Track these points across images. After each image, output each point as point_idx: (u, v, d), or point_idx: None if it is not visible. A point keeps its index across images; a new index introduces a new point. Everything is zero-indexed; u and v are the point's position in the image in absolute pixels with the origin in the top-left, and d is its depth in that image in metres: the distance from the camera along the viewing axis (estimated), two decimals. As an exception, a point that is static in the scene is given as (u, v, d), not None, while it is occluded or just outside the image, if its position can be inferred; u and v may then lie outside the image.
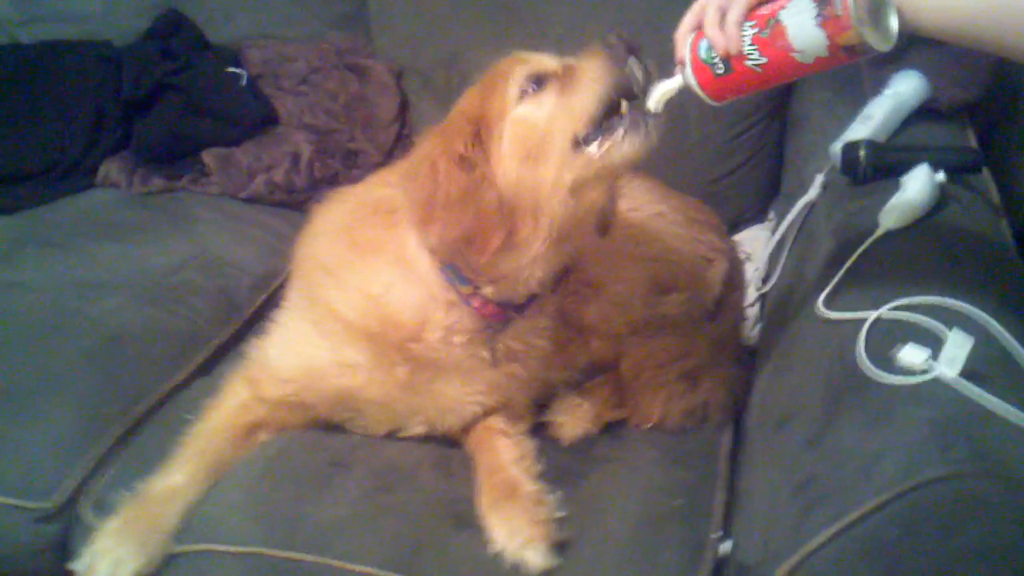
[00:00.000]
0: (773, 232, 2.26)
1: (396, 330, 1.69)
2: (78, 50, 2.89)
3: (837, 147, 1.95)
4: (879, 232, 1.72)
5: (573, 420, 1.89)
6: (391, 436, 1.84)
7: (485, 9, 2.63)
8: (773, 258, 2.15)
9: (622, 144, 1.52)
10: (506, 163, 1.55)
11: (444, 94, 2.70)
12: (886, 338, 1.48)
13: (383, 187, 1.82)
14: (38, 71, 2.84)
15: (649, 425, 1.90)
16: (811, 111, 2.35)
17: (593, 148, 1.53)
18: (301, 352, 1.80)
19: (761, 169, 2.51)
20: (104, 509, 1.73)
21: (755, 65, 1.40)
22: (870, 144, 1.90)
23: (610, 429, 1.92)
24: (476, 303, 1.66)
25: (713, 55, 1.42)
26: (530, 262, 1.60)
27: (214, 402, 1.86)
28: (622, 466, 1.81)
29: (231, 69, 2.80)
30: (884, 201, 1.75)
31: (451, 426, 1.82)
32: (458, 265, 1.63)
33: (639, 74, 1.51)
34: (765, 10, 1.39)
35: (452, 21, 2.67)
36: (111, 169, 2.72)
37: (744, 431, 1.84)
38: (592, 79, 1.53)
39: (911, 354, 1.40)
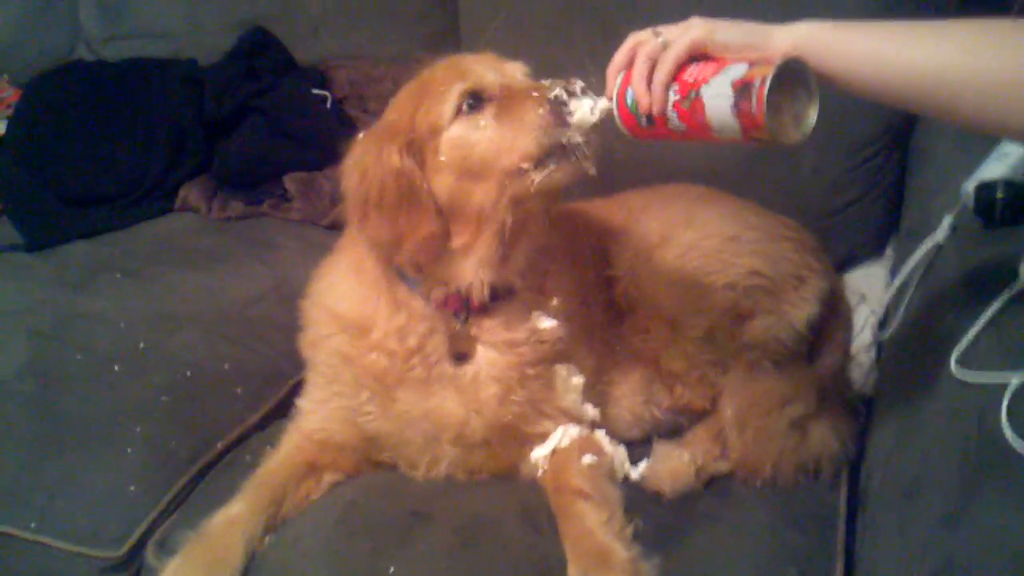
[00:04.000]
0: (892, 272, 2.13)
1: (354, 339, 1.71)
2: (161, 69, 2.89)
3: (970, 186, 1.80)
4: (1020, 284, 1.56)
5: (673, 472, 1.78)
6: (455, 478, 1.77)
7: (584, 24, 2.52)
8: (893, 301, 1.99)
9: (556, 173, 1.53)
10: (443, 176, 1.58)
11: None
12: None
13: None
14: (120, 89, 2.85)
15: (760, 482, 1.78)
16: (937, 144, 2.19)
17: (531, 174, 1.53)
18: (314, 395, 1.82)
19: (878, 204, 2.35)
20: (168, 550, 1.69)
21: (675, 128, 1.42)
22: (1009, 185, 1.74)
23: (713, 483, 1.80)
24: (437, 296, 1.66)
25: (637, 108, 1.44)
26: (477, 264, 1.62)
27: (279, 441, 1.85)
28: (729, 527, 1.69)
29: (316, 91, 2.73)
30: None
31: (473, 455, 1.74)
32: (404, 267, 1.66)
33: (581, 114, 1.51)
34: (690, 76, 1.39)
35: (549, 38, 2.56)
36: (190, 193, 2.69)
37: (863, 493, 1.70)
38: (533, 127, 1.52)
39: (1064, 427, 1.26)
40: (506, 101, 1.56)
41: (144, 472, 1.85)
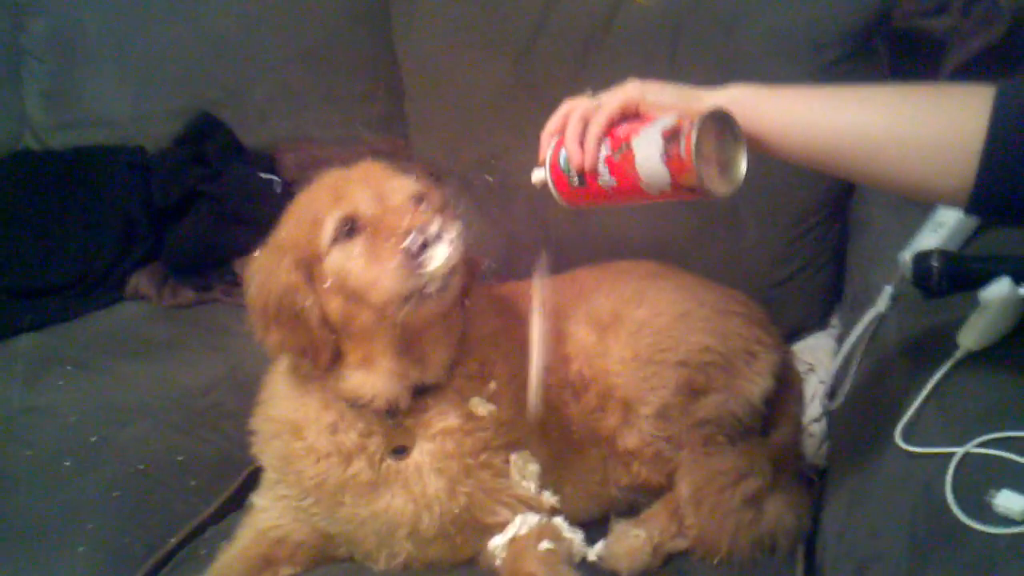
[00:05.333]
0: (838, 341, 2.15)
1: (290, 442, 1.72)
2: (108, 157, 2.88)
3: (907, 257, 1.83)
4: (959, 354, 1.59)
5: (630, 552, 1.77)
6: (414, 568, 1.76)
7: (525, 108, 2.52)
8: (840, 372, 2.01)
9: (416, 310, 1.55)
10: (332, 297, 1.61)
11: (484, 197, 2.61)
12: (976, 478, 1.36)
13: None
14: (67, 178, 2.84)
15: (717, 558, 1.78)
16: (874, 214, 2.23)
17: (395, 309, 1.55)
18: (266, 493, 1.83)
19: (822, 274, 2.38)
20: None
21: (606, 185, 1.43)
22: (944, 254, 1.78)
23: (671, 561, 1.80)
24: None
25: (569, 167, 1.45)
26: (385, 376, 1.64)
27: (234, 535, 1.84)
28: (686, 606, 1.68)
29: (264, 175, 2.73)
30: (962, 318, 1.62)
31: (431, 548, 1.73)
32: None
33: (435, 263, 1.52)
34: (622, 131, 1.42)
35: (491, 122, 2.59)
36: (141, 281, 2.68)
37: (818, 568, 1.71)
38: (388, 274, 1.53)
39: (1009, 500, 1.28)
40: (374, 235, 1.57)
41: (97, 571, 1.81)
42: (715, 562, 1.77)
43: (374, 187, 1.64)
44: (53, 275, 2.69)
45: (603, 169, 1.42)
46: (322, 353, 1.61)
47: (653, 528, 1.80)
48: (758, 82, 1.44)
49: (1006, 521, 1.27)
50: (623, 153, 1.39)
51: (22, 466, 2.02)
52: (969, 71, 2.20)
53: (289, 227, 1.68)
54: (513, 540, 1.72)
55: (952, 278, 1.77)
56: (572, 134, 1.44)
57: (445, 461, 1.68)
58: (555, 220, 2.48)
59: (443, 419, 1.69)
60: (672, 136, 1.34)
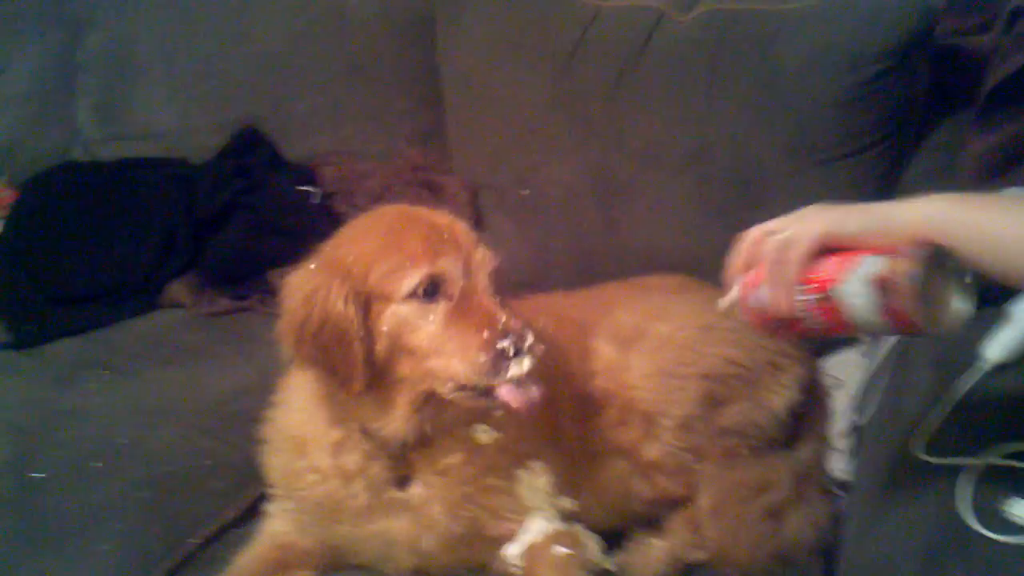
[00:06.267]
0: (867, 357, 2.12)
1: (293, 458, 1.72)
2: (153, 168, 2.94)
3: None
4: (985, 367, 1.56)
5: (649, 562, 1.79)
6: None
7: (563, 123, 2.55)
8: (868, 388, 1.98)
9: (467, 402, 1.56)
10: (381, 337, 1.55)
11: (518, 211, 2.64)
12: (993, 489, 1.36)
13: None
14: (113, 189, 2.90)
15: (736, 571, 1.78)
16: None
17: (449, 389, 1.55)
18: (277, 503, 1.84)
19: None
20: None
21: (813, 325, 1.33)
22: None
23: (690, 573, 1.80)
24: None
25: (767, 311, 1.36)
26: (400, 420, 1.60)
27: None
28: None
29: (304, 188, 2.77)
30: (989, 331, 1.59)
31: (437, 559, 1.71)
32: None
33: (515, 371, 1.51)
34: (821, 274, 1.30)
35: (529, 137, 2.60)
36: (178, 289, 2.72)
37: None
38: (470, 362, 1.51)
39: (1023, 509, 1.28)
40: (460, 312, 1.54)
41: (119, 569, 1.83)
42: (734, 574, 1.77)
43: (464, 253, 1.58)
44: (94, 283, 2.73)
45: (807, 315, 1.32)
46: (356, 383, 1.55)
47: (672, 539, 1.81)
48: (951, 191, 1.33)
49: (1021, 531, 1.27)
50: (828, 301, 1.29)
51: (53, 467, 2.04)
52: (1009, 89, 2.16)
53: (354, 253, 1.58)
54: (529, 548, 1.71)
55: (981, 291, 1.73)
56: (767, 281, 1.34)
57: (448, 490, 1.67)
58: (588, 234, 2.49)
59: (447, 454, 1.67)
60: (885, 287, 1.23)
